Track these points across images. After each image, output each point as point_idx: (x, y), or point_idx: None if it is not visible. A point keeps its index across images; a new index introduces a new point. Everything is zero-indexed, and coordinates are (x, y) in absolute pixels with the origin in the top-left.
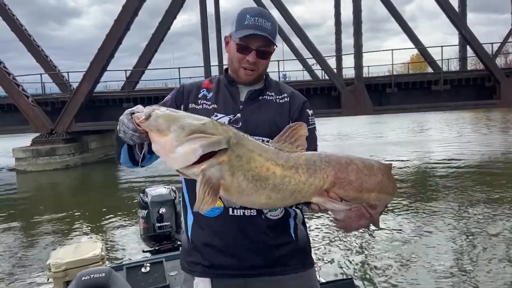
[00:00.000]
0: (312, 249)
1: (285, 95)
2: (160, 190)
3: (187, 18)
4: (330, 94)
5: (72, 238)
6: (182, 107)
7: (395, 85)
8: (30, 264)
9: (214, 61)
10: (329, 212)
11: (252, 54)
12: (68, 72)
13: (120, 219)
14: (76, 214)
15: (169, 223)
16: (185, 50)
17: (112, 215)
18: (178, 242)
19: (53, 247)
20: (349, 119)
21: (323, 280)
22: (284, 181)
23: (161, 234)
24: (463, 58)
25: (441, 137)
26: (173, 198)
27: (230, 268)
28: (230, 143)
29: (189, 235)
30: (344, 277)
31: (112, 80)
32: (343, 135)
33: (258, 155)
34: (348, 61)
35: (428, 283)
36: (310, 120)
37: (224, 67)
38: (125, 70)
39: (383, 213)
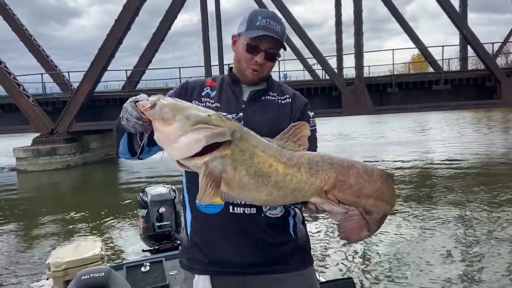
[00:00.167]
0: (312, 249)
1: (287, 96)
2: (160, 189)
3: (188, 18)
4: (331, 94)
5: (72, 238)
6: None
7: (396, 85)
8: (30, 263)
9: (214, 60)
10: (326, 214)
11: (261, 55)
12: (68, 72)
13: (120, 219)
14: (76, 213)
15: (168, 223)
16: (185, 50)
17: (112, 215)
18: (178, 242)
19: (53, 247)
20: (350, 119)
21: (322, 280)
22: (286, 178)
23: (161, 233)
24: (464, 58)
25: (441, 137)
26: (173, 197)
27: (230, 266)
28: (234, 136)
29: (189, 232)
30: (344, 276)
31: (113, 80)
32: (344, 135)
33: (262, 151)
34: (349, 61)
35: (428, 283)
36: (311, 122)
37: (228, 66)
38: (126, 70)
39: (383, 223)
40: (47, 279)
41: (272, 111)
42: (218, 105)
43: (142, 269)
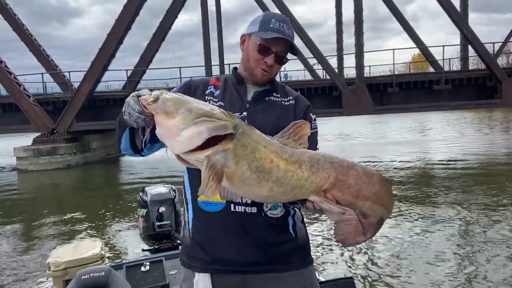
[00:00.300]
0: (312, 248)
1: (291, 97)
2: (160, 189)
3: (188, 18)
4: (331, 94)
5: (72, 237)
6: None
7: (397, 84)
8: (30, 263)
9: (215, 60)
10: (325, 214)
11: (272, 57)
12: (69, 72)
13: (120, 218)
14: (76, 213)
15: (168, 222)
16: (186, 50)
17: (112, 214)
18: (178, 241)
19: (53, 246)
20: (350, 118)
21: (322, 279)
22: (287, 175)
23: (161, 233)
24: (464, 58)
25: (442, 137)
26: (173, 197)
27: (231, 264)
28: (237, 130)
29: (190, 230)
30: (344, 276)
31: (114, 79)
32: (345, 135)
33: (263, 147)
34: (350, 61)
35: (428, 283)
36: (313, 124)
37: (229, 66)
38: (126, 70)
39: (379, 228)
40: (47, 278)
41: (276, 112)
42: (222, 104)
43: (142, 268)
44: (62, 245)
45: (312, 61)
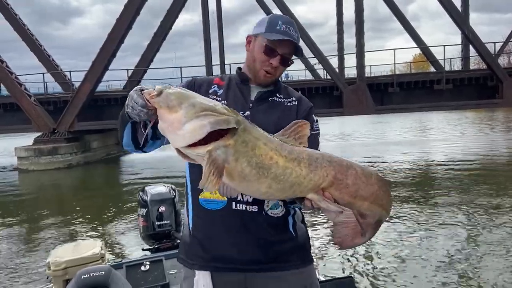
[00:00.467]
0: (311, 247)
1: (294, 98)
2: (160, 188)
3: (189, 18)
4: (332, 94)
5: (72, 237)
6: None
7: (397, 84)
8: (31, 262)
9: (215, 60)
10: (324, 213)
11: (277, 59)
12: (70, 72)
13: (120, 218)
14: (77, 213)
15: (168, 222)
16: (187, 50)
17: (112, 214)
18: (178, 241)
19: (54, 246)
20: (351, 118)
21: (322, 279)
22: (286, 172)
23: (161, 232)
24: (465, 58)
25: (443, 137)
26: (173, 196)
27: (232, 262)
28: (239, 126)
29: (191, 228)
30: (344, 275)
31: (114, 79)
32: (345, 135)
33: (263, 144)
34: (350, 61)
35: (428, 283)
36: (315, 125)
37: (230, 66)
38: (127, 70)
39: (377, 230)
40: (47, 278)
41: (278, 112)
42: (225, 103)
43: (142, 268)
44: (62, 244)
45: (313, 61)
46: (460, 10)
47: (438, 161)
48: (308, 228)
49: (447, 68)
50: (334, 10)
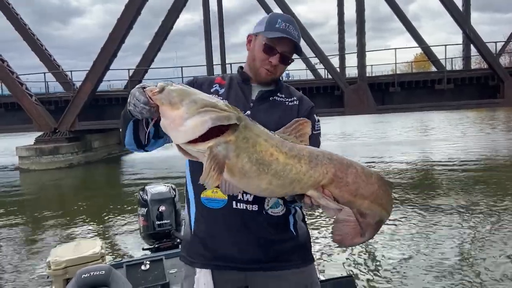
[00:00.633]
0: (312, 247)
1: (295, 98)
2: (160, 188)
3: (190, 18)
4: (333, 93)
5: (72, 236)
6: None
7: (398, 84)
8: (31, 262)
9: (216, 60)
10: (323, 213)
11: (276, 57)
12: (71, 71)
13: (121, 217)
14: (77, 212)
15: (168, 221)
16: (188, 50)
17: (113, 214)
18: (178, 240)
19: (54, 245)
20: (352, 118)
21: (323, 278)
22: (286, 168)
23: (161, 232)
24: (466, 57)
25: (444, 136)
26: (173, 196)
27: (233, 261)
28: (240, 122)
29: (192, 227)
30: (344, 274)
31: (116, 79)
32: (346, 135)
33: (264, 140)
34: (351, 60)
35: (428, 282)
36: (316, 125)
37: (231, 65)
38: (128, 69)
39: (378, 230)
40: (47, 277)
41: (279, 112)
42: (227, 101)
43: (142, 267)
44: (62, 244)
45: (314, 60)
46: (461, 10)
47: (439, 161)
48: (308, 227)
49: (448, 67)
50: (335, 10)
